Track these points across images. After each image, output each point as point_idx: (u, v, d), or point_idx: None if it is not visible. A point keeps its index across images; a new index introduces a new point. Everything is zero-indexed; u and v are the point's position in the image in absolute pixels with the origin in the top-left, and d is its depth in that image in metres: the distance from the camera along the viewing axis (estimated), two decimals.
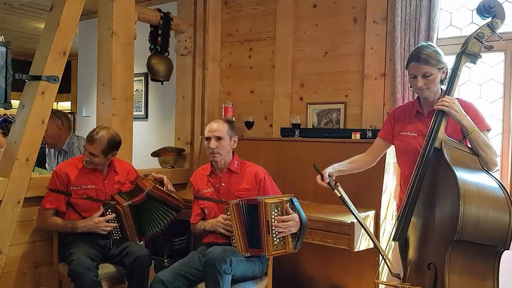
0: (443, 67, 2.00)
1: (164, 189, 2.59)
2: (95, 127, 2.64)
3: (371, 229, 2.56)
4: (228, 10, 3.83)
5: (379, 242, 2.59)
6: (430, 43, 2.10)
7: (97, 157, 2.50)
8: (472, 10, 2.90)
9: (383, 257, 2.03)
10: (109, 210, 2.49)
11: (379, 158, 2.33)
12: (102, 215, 2.48)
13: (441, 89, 2.07)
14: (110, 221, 2.48)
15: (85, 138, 3.36)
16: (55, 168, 2.69)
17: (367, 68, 3.14)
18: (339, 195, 2.10)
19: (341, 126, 3.25)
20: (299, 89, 3.48)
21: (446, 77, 2.01)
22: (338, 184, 2.13)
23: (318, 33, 3.38)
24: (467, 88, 2.95)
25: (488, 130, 1.96)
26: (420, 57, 1.98)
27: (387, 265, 2.00)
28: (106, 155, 2.53)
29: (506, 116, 2.75)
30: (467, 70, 2.93)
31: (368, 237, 2.03)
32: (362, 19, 3.18)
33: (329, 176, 2.13)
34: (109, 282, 2.41)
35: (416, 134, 2.10)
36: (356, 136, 2.92)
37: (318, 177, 2.14)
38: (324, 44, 3.35)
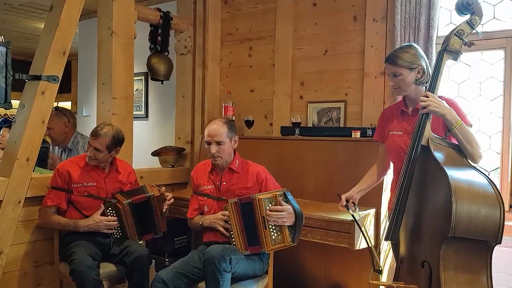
0: (415, 68, 2.05)
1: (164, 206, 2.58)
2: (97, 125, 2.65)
3: (372, 227, 2.57)
4: (228, 9, 3.83)
5: (380, 241, 2.60)
6: (412, 44, 2.16)
7: (101, 152, 2.52)
8: None
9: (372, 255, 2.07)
10: (110, 208, 2.49)
11: (391, 162, 2.34)
12: (103, 213, 2.48)
13: (426, 88, 2.11)
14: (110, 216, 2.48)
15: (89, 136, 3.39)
16: (57, 165, 2.69)
17: (367, 67, 3.14)
18: (351, 214, 2.21)
19: (341, 125, 3.25)
20: (299, 88, 3.48)
21: (422, 76, 2.07)
22: (356, 207, 2.24)
23: (318, 31, 3.38)
24: (467, 86, 2.95)
25: (470, 126, 1.98)
26: (390, 58, 2.09)
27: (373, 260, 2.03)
28: (110, 151, 2.54)
29: (506, 114, 2.75)
30: (466, 68, 2.93)
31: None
32: (362, 17, 3.18)
33: (346, 200, 2.25)
34: (109, 282, 2.41)
35: (401, 133, 2.15)
36: (356, 134, 2.92)
37: (339, 204, 2.27)
38: (324, 42, 3.35)
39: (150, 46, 3.56)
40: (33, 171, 2.65)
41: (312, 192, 2.92)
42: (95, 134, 2.52)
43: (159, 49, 3.55)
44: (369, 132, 2.90)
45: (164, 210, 2.59)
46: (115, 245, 2.49)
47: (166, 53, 3.60)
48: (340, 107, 3.27)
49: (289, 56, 3.49)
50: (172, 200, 2.64)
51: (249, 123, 3.46)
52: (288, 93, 3.50)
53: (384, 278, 2.62)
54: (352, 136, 2.93)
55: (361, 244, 2.44)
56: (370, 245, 2.14)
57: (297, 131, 3.20)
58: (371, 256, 2.15)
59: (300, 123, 3.22)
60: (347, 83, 3.26)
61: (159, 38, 3.53)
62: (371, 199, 2.62)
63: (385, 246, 2.64)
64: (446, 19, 3.00)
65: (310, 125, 3.39)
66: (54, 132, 3.25)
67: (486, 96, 2.88)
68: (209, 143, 2.41)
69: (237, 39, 3.79)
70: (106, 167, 2.62)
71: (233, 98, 3.67)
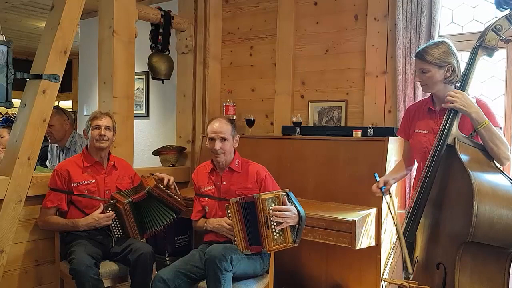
0: (445, 66, 1.96)
1: (166, 188, 2.58)
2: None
3: (373, 226, 2.56)
4: (229, 8, 3.83)
5: (381, 240, 2.60)
6: (444, 40, 2.04)
7: (111, 131, 2.63)
8: (474, 7, 2.89)
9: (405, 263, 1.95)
10: (109, 209, 2.49)
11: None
12: (103, 213, 2.48)
13: (456, 86, 2.03)
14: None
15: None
16: (55, 167, 2.70)
17: (368, 66, 3.14)
18: (386, 201, 2.11)
19: (342, 124, 3.25)
20: (300, 87, 3.48)
21: (452, 75, 1.97)
22: (390, 193, 2.14)
23: (319, 30, 3.38)
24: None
25: (500, 128, 1.91)
26: (419, 53, 2.00)
27: (406, 265, 1.91)
28: (114, 131, 2.67)
29: (508, 113, 2.74)
30: None
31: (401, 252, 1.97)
32: (363, 16, 3.18)
33: (384, 184, 2.15)
34: (112, 280, 2.42)
35: (427, 132, 2.06)
36: (357, 134, 2.91)
37: (374, 185, 2.16)
38: (325, 41, 3.35)
39: (151, 45, 3.56)
40: (34, 170, 2.65)
41: (313, 192, 2.92)
42: (99, 114, 2.64)
43: (160, 48, 3.55)
44: (370, 132, 2.90)
45: (171, 191, 2.59)
46: (116, 244, 2.49)
47: (167, 52, 3.60)
48: (341, 107, 3.27)
49: (290, 55, 3.48)
50: (172, 179, 2.63)
51: (250, 122, 3.46)
52: (289, 92, 3.49)
53: (385, 276, 2.61)
54: (353, 135, 2.92)
55: (362, 243, 2.44)
56: (399, 234, 1.95)
57: (298, 130, 3.20)
58: (400, 247, 1.96)
59: (301, 122, 3.22)
60: (348, 83, 3.26)
61: (160, 37, 3.53)
62: (372, 199, 2.61)
63: (387, 245, 2.64)
64: (447, 18, 2.99)
65: (311, 124, 3.38)
66: (54, 129, 3.26)
67: (488, 96, 2.87)
68: (213, 139, 2.41)
69: (238, 38, 3.79)
70: (104, 163, 2.63)
71: (234, 97, 3.67)
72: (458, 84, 1.98)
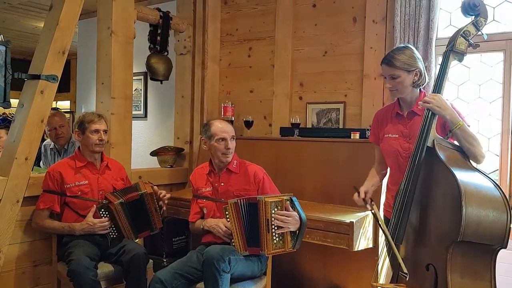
0: (413, 70, 2.03)
1: (157, 201, 2.56)
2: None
3: (370, 228, 2.57)
4: (228, 10, 3.83)
5: (379, 242, 2.60)
6: (408, 45, 2.12)
7: (107, 133, 2.63)
8: None
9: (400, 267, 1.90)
10: (102, 210, 2.48)
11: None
12: (97, 215, 2.47)
13: (420, 90, 2.11)
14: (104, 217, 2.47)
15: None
16: (48, 168, 2.68)
17: (367, 68, 3.15)
18: (371, 210, 2.07)
19: (340, 126, 3.25)
20: (299, 89, 3.48)
21: (419, 79, 2.05)
22: (373, 202, 2.12)
23: (317, 32, 3.38)
24: (466, 88, 2.96)
25: (469, 126, 1.95)
26: (387, 59, 2.05)
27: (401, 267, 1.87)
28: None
29: (505, 116, 2.75)
30: (466, 70, 2.93)
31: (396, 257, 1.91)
32: (361, 19, 3.18)
33: (365, 193, 2.14)
34: (107, 282, 2.40)
35: (397, 136, 2.13)
36: (355, 135, 2.92)
37: (355, 195, 2.16)
38: (324, 43, 3.35)
39: (150, 46, 3.56)
40: (32, 171, 2.65)
41: (311, 193, 2.92)
42: (97, 118, 2.58)
43: (158, 49, 3.55)
44: (368, 134, 2.90)
45: (163, 207, 2.58)
46: (112, 245, 2.48)
47: (166, 53, 3.60)
48: (339, 108, 3.27)
49: (288, 57, 3.49)
50: (169, 195, 2.64)
51: (248, 124, 3.46)
52: (287, 93, 3.50)
53: (382, 279, 2.62)
54: (351, 137, 2.93)
55: (359, 245, 2.44)
56: (391, 243, 1.90)
57: (296, 132, 3.20)
58: (395, 256, 1.89)
59: (299, 124, 3.22)
60: (347, 85, 3.26)
61: (158, 38, 3.53)
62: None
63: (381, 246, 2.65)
64: (445, 21, 3.00)
65: (309, 126, 3.39)
66: (65, 130, 3.30)
67: (485, 98, 2.88)
68: (224, 139, 2.41)
69: (236, 40, 3.79)
70: (97, 163, 2.62)
71: (232, 98, 3.67)
72: (423, 88, 2.06)
